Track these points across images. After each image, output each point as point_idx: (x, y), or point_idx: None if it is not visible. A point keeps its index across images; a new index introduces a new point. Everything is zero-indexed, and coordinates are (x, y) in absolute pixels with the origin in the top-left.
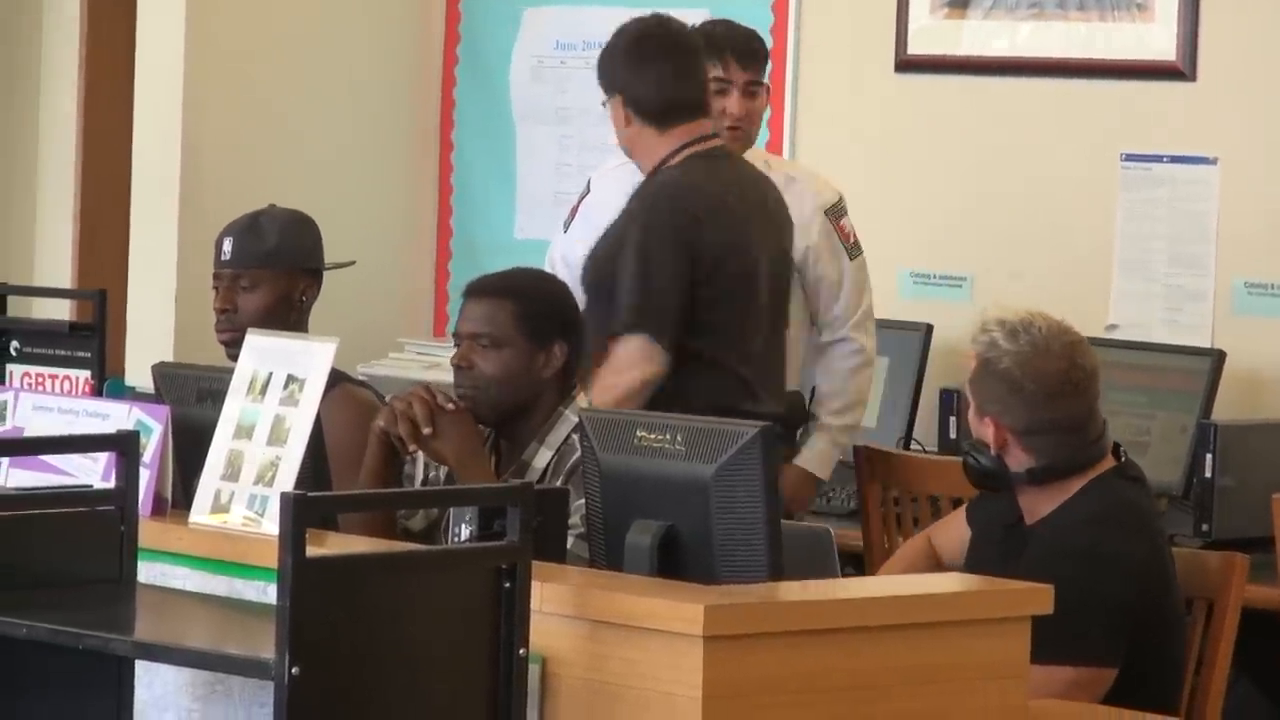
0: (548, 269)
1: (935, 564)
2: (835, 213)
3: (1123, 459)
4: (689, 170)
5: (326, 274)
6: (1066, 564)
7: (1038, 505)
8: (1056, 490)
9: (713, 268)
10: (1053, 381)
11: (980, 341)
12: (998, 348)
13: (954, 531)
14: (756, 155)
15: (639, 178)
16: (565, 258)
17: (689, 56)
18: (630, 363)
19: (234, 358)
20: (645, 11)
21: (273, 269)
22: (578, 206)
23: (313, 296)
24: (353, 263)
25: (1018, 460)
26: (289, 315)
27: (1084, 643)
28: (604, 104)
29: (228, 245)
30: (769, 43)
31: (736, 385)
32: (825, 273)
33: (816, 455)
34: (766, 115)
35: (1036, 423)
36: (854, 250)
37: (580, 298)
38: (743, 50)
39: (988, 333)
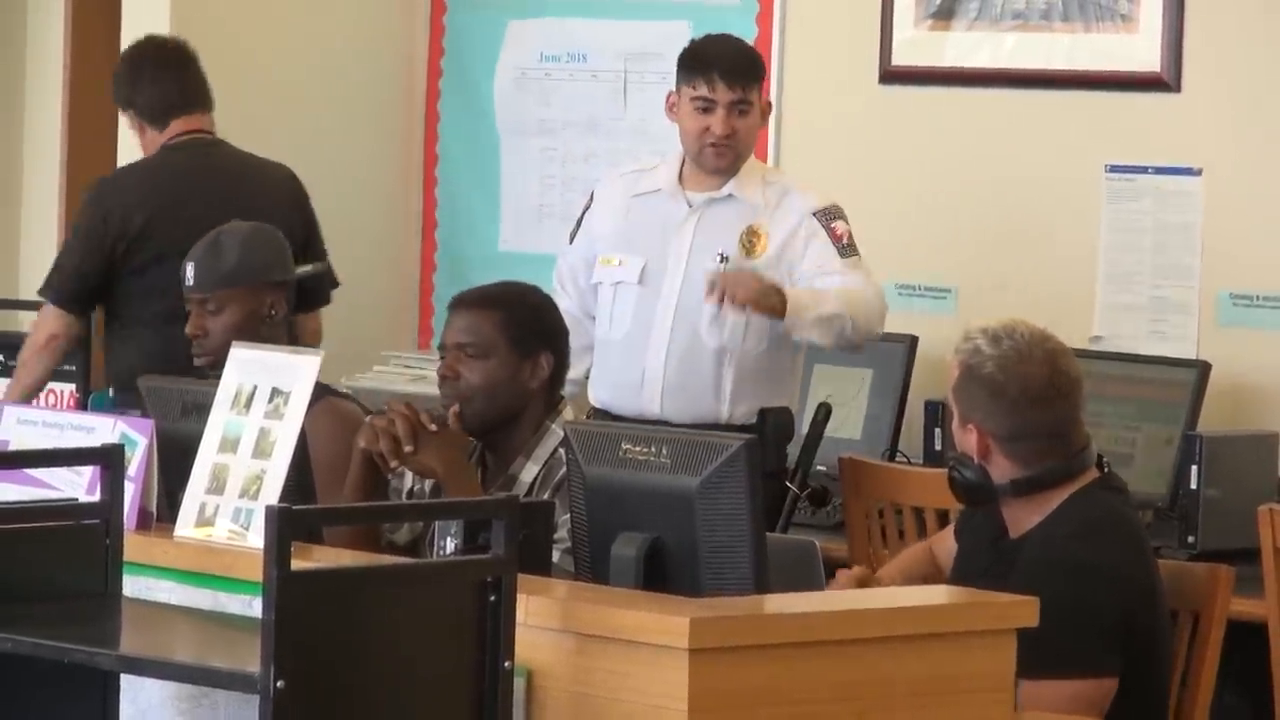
0: (555, 283)
1: (934, 570)
2: (826, 215)
3: (1105, 470)
4: (151, 159)
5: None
6: (1056, 578)
7: (1022, 518)
8: (1040, 502)
9: (133, 241)
10: (1035, 386)
11: (963, 349)
12: (980, 354)
13: (949, 543)
14: (754, 168)
15: (644, 185)
16: (572, 270)
17: (175, 64)
18: (40, 323)
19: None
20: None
21: (235, 288)
22: (581, 218)
23: (283, 308)
24: (325, 266)
25: (1001, 469)
26: (260, 330)
27: (1083, 655)
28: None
29: (190, 270)
30: (760, 54)
31: (164, 346)
32: (815, 263)
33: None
34: (763, 125)
35: (1019, 428)
36: (847, 250)
37: (589, 314)
38: (728, 69)
39: (970, 340)
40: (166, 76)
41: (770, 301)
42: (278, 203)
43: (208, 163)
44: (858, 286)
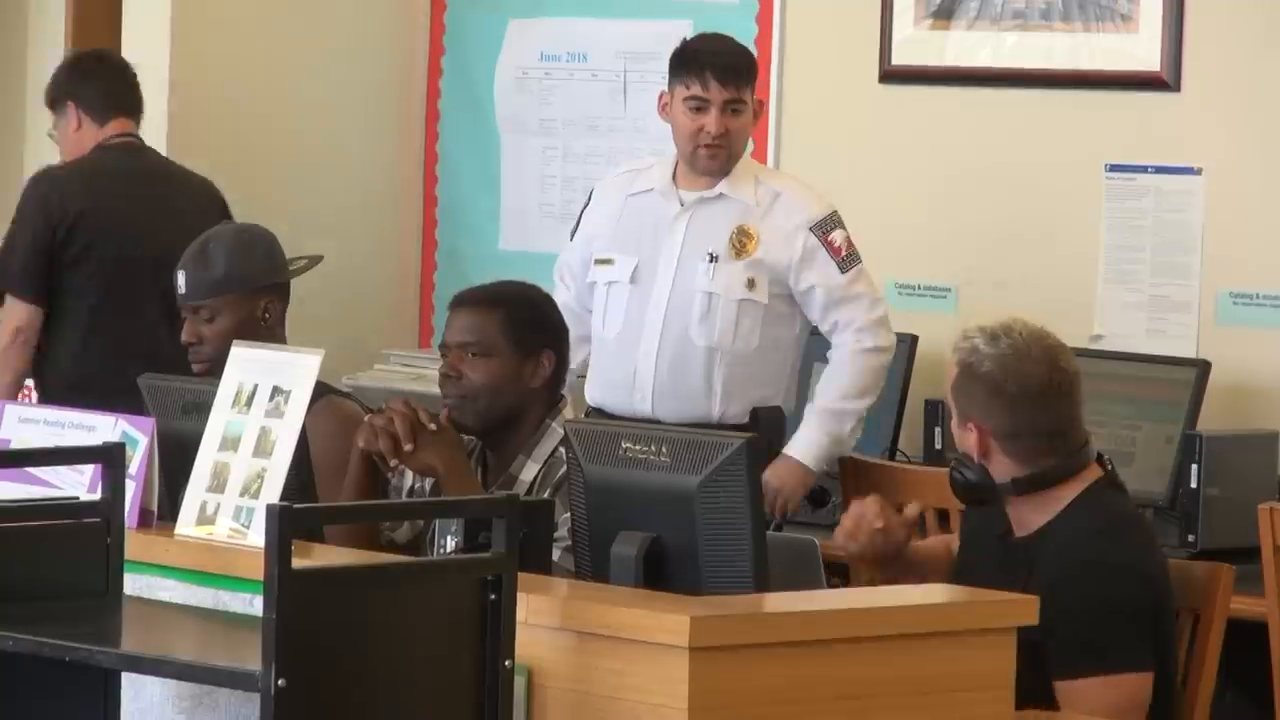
0: (555, 276)
1: (949, 562)
2: (822, 228)
3: (1109, 469)
4: (87, 157)
5: (309, 284)
6: (1082, 578)
7: (1027, 517)
8: (1044, 500)
9: (69, 229)
10: (1034, 383)
11: (961, 349)
12: (978, 352)
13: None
14: (747, 167)
15: (639, 185)
16: (570, 268)
17: (121, 71)
18: (6, 320)
19: None
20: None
21: (227, 295)
22: (581, 216)
23: (277, 310)
24: (320, 258)
25: (1001, 468)
26: (257, 333)
27: (1120, 651)
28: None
29: (181, 279)
30: (752, 53)
31: (91, 346)
32: (813, 284)
33: (802, 442)
34: (756, 124)
35: (1019, 426)
36: (845, 263)
37: (587, 309)
38: (722, 68)
39: (968, 339)
40: (114, 78)
41: (812, 482)
42: (204, 209)
43: (138, 166)
44: (865, 350)
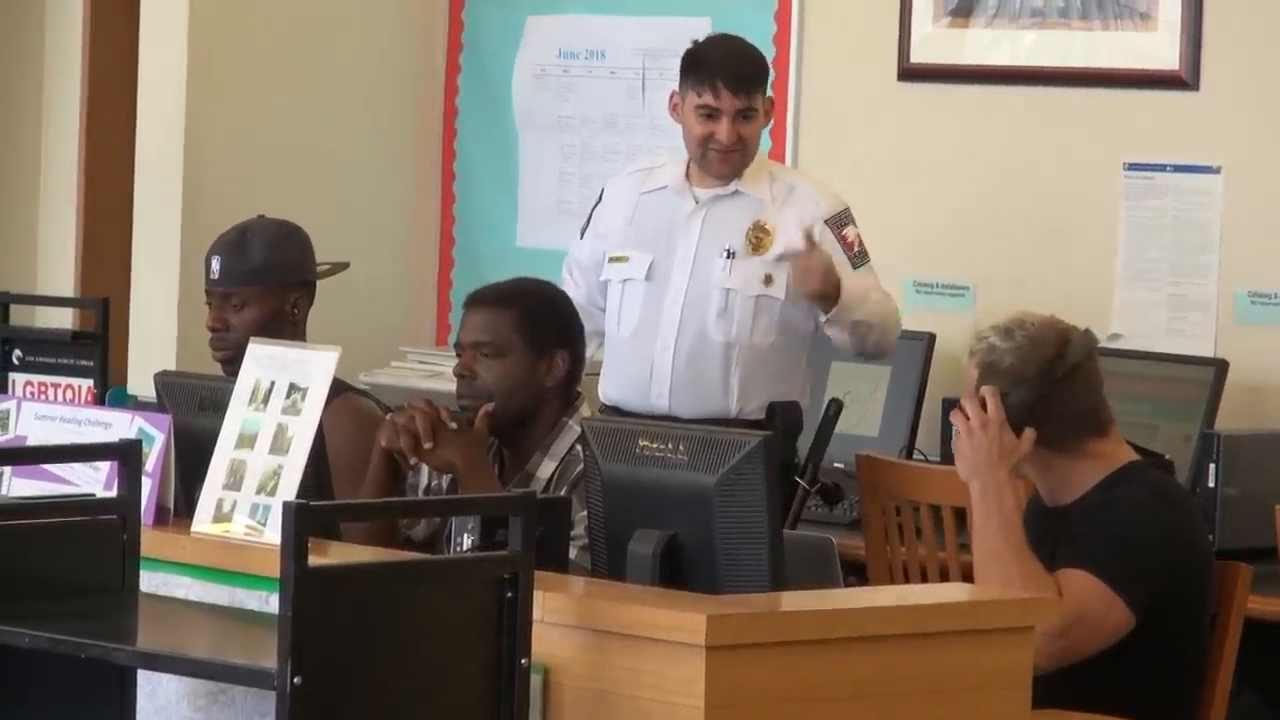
0: (564, 273)
1: None
2: (837, 222)
3: (1168, 461)
4: None
5: (327, 281)
6: (1115, 506)
7: (1067, 483)
8: (1080, 467)
9: None
10: (1055, 369)
11: (978, 350)
12: (996, 349)
13: None
14: (761, 164)
15: (651, 183)
16: (580, 265)
17: None
18: None
19: (231, 374)
20: (643, 19)
21: (261, 286)
22: (592, 214)
23: (305, 307)
24: (346, 265)
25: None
26: (282, 328)
27: (1121, 574)
28: None
29: (215, 264)
30: (771, 52)
31: None
32: None
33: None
34: (768, 125)
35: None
36: (858, 259)
37: (597, 305)
38: (734, 78)
39: (983, 339)
40: None
41: (827, 294)
42: None
43: None
44: (889, 300)
